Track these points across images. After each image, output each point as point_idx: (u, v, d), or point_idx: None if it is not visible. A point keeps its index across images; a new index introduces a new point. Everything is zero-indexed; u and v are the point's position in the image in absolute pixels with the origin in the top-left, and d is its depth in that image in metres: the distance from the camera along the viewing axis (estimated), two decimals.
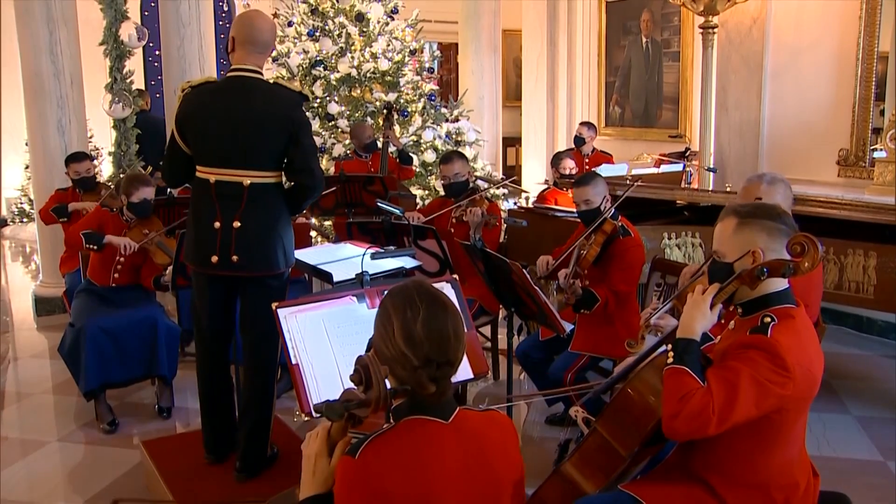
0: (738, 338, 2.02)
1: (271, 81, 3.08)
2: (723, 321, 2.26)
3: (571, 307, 3.56)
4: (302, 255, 3.26)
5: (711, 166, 6.57)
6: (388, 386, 1.61)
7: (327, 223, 6.25)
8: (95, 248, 4.19)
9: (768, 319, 1.99)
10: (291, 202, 3.14)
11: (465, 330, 1.70)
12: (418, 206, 6.03)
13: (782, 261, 1.99)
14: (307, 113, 6.66)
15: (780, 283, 2.05)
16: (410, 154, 6.14)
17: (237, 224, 3.00)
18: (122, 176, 5.30)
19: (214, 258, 3.02)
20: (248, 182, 2.99)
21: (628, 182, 4.86)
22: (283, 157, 3.03)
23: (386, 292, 1.71)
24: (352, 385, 1.61)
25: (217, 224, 3.01)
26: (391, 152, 5.96)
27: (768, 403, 1.91)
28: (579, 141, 6.96)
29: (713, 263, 2.14)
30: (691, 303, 2.06)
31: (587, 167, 6.69)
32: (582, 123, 7.23)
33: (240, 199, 2.99)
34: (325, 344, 2.37)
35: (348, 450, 1.59)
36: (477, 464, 1.66)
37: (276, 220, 3.07)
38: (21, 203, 10.03)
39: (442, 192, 6.49)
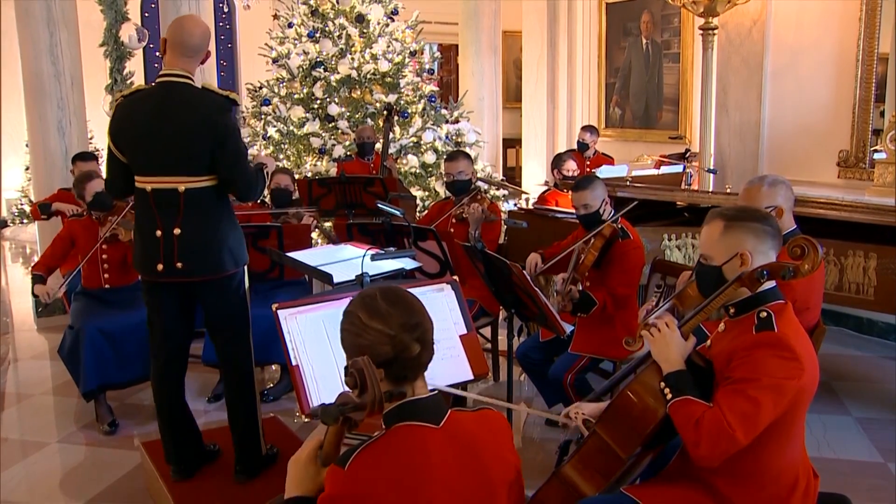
0: (745, 339, 2.02)
1: (200, 86, 3.01)
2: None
3: (568, 312, 3.56)
4: (302, 256, 3.25)
5: (711, 167, 6.57)
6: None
7: (327, 224, 6.25)
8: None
9: (765, 314, 2.01)
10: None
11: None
12: (418, 209, 6.04)
13: (782, 263, 2.00)
14: (307, 114, 6.75)
15: (769, 282, 2.07)
16: (409, 155, 6.18)
17: (177, 231, 2.99)
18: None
19: (160, 266, 3.02)
20: (183, 188, 2.96)
21: (628, 182, 4.87)
22: (212, 161, 2.98)
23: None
24: (348, 388, 1.61)
25: (158, 232, 3.00)
26: (391, 154, 5.97)
27: (787, 400, 1.93)
28: (583, 147, 6.97)
29: (700, 267, 2.15)
30: (659, 340, 2.08)
31: (588, 169, 6.70)
32: (583, 128, 7.23)
33: (177, 205, 2.97)
34: (326, 345, 2.37)
35: (338, 460, 1.59)
36: (470, 468, 1.66)
37: (217, 222, 3.05)
38: (21, 204, 10.03)
39: (442, 194, 6.51)
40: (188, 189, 2.96)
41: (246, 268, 3.20)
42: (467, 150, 7.05)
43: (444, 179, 4.67)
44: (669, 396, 1.99)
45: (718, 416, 1.90)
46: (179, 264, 3.00)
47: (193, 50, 3.00)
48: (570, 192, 4.08)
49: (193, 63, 3.02)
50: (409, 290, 1.76)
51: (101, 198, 4.24)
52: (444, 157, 5.27)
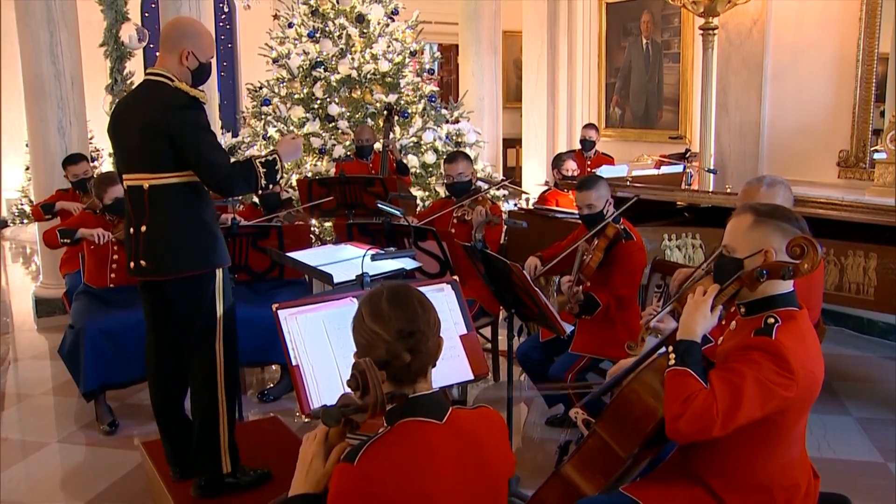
0: (741, 339, 2.02)
1: (175, 83, 2.95)
2: (723, 322, 2.25)
3: (574, 314, 3.56)
4: (302, 256, 3.25)
5: (712, 167, 6.57)
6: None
7: (327, 224, 6.25)
8: (69, 241, 4.27)
9: (772, 320, 1.98)
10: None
11: (435, 311, 1.72)
12: (419, 208, 6.04)
13: (782, 262, 1.98)
14: (307, 114, 6.75)
15: (786, 286, 2.05)
16: (410, 154, 6.16)
17: (143, 228, 2.97)
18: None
19: (132, 264, 3.02)
20: (147, 185, 2.94)
21: (628, 182, 4.87)
22: (176, 158, 2.91)
23: None
24: (349, 389, 1.61)
25: (131, 230, 3.01)
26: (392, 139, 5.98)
27: (772, 405, 1.91)
28: (589, 144, 6.97)
29: (721, 258, 2.12)
30: (692, 304, 2.06)
31: (589, 169, 6.70)
32: (586, 126, 7.24)
33: (143, 203, 2.96)
34: (326, 345, 2.37)
35: (346, 456, 1.59)
36: (473, 462, 1.67)
37: (181, 220, 2.97)
38: (21, 204, 10.04)
39: (442, 194, 6.51)
40: (152, 186, 2.94)
41: (220, 272, 3.03)
42: (467, 150, 7.07)
43: (444, 181, 4.67)
44: (672, 362, 1.98)
45: (711, 400, 1.89)
46: (143, 262, 2.98)
47: (164, 42, 3.00)
48: (572, 192, 4.07)
49: (168, 58, 2.98)
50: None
51: (120, 203, 4.25)
52: (443, 158, 5.25)
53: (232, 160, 3.01)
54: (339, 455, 1.62)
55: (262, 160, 3.03)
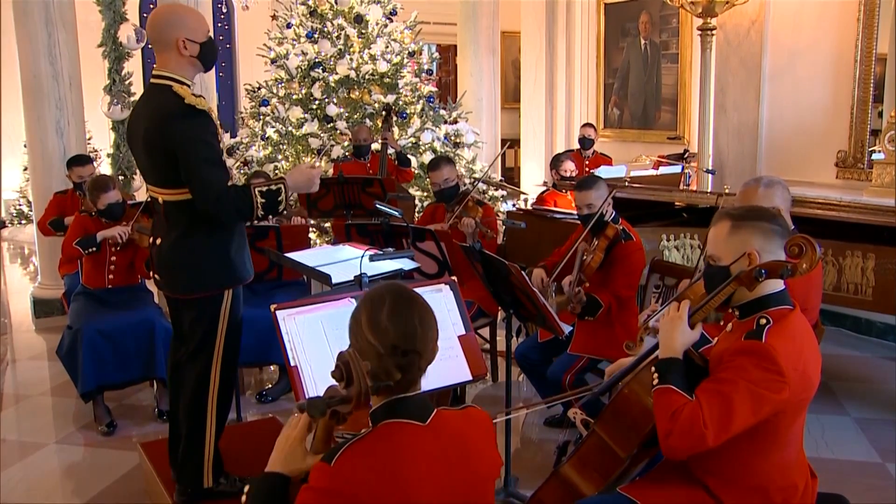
0: (732, 343, 2.02)
1: (174, 87, 2.74)
2: (721, 322, 2.26)
3: (576, 315, 3.56)
4: (301, 256, 3.25)
5: (710, 168, 6.58)
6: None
7: (326, 225, 6.25)
8: (95, 249, 4.22)
9: (764, 321, 1.99)
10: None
11: (436, 325, 1.69)
12: (416, 209, 6.03)
13: (780, 262, 1.99)
14: (305, 114, 6.75)
15: (776, 285, 2.05)
16: (408, 156, 6.14)
17: (158, 241, 2.92)
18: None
19: (152, 273, 3.01)
20: (162, 199, 2.84)
21: (626, 183, 4.88)
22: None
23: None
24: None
25: (152, 238, 2.99)
26: (389, 154, 5.97)
27: (765, 410, 1.91)
28: (588, 142, 6.96)
29: (708, 268, 2.13)
30: (667, 322, 2.07)
31: (587, 169, 6.70)
32: (585, 125, 7.25)
33: (161, 216, 2.89)
34: (324, 346, 2.37)
35: (325, 455, 1.58)
36: (456, 465, 1.66)
37: (193, 241, 2.82)
38: (20, 205, 10.03)
39: None
40: (166, 200, 2.83)
41: (229, 293, 2.90)
42: (465, 150, 7.07)
43: (432, 188, 4.64)
44: (655, 382, 1.99)
45: (697, 411, 1.89)
46: (156, 276, 2.96)
47: (154, 41, 2.81)
48: (571, 192, 4.08)
49: (166, 57, 2.79)
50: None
51: (113, 208, 4.25)
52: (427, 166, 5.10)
53: (230, 182, 2.79)
54: (323, 450, 1.63)
55: (264, 188, 2.79)
